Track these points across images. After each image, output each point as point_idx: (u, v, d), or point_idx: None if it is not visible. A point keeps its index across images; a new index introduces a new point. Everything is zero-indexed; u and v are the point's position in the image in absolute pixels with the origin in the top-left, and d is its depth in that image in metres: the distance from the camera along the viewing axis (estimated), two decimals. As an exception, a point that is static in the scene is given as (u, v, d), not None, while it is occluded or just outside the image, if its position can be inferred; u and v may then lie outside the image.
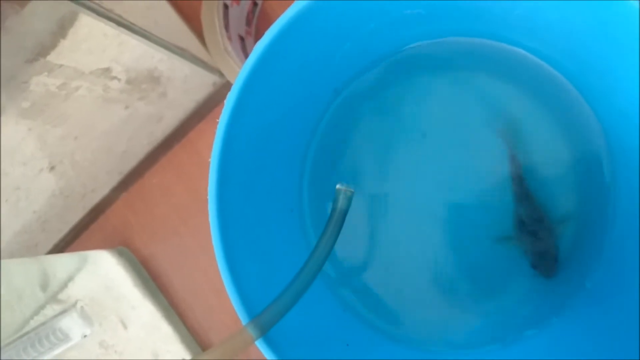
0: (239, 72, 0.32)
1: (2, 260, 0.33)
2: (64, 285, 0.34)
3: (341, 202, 0.23)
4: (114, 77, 0.28)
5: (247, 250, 0.23)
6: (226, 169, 0.22)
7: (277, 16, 0.37)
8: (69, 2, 0.23)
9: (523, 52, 0.26)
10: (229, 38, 0.33)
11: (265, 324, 0.19)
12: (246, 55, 0.35)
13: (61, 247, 0.39)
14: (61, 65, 0.25)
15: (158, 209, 0.39)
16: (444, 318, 0.28)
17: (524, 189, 0.27)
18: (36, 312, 0.34)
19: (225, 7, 0.33)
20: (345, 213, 0.23)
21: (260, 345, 0.20)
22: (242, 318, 0.20)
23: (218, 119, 0.38)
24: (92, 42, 0.26)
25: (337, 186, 0.24)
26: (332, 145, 0.29)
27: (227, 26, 0.33)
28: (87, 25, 0.25)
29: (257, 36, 0.37)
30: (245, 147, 0.23)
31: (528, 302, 0.26)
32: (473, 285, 0.27)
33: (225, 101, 0.21)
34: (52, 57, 0.25)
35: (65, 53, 0.25)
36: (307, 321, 0.25)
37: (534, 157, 0.27)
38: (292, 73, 0.24)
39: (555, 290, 0.25)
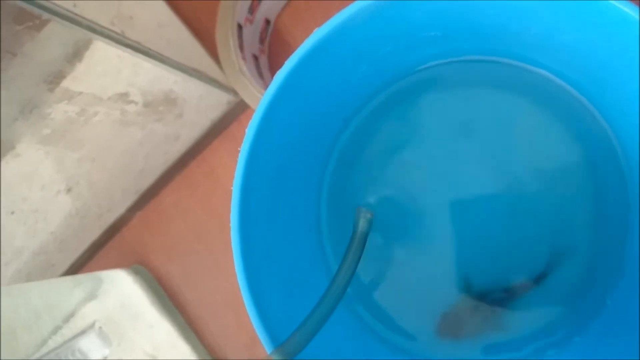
0: (253, 92, 0.33)
1: (20, 285, 0.33)
2: (81, 306, 0.35)
3: (362, 225, 0.23)
4: (131, 101, 0.28)
5: (268, 273, 0.23)
6: (248, 192, 0.22)
7: (290, 34, 0.37)
8: (82, 29, 0.24)
9: (539, 70, 0.26)
10: (244, 58, 0.33)
11: (290, 352, 0.20)
12: (260, 73, 0.36)
13: (78, 266, 0.39)
14: (80, 93, 0.25)
15: (174, 226, 0.39)
16: (476, 327, 0.28)
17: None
18: (54, 333, 0.34)
19: (239, 27, 0.33)
20: (366, 236, 0.23)
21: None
22: (266, 346, 0.20)
23: (232, 136, 0.38)
24: (107, 65, 0.26)
25: (357, 208, 0.24)
26: (349, 163, 0.29)
27: (241, 46, 0.33)
28: (102, 47, 0.25)
29: (271, 54, 0.38)
30: (265, 171, 0.23)
31: (549, 322, 0.26)
32: (494, 305, 0.27)
33: (247, 129, 0.21)
34: (71, 83, 0.25)
35: (82, 77, 0.25)
36: (327, 344, 0.25)
37: (547, 176, 0.27)
38: (310, 97, 0.24)
39: (576, 310, 0.25)
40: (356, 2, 0.20)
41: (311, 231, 0.29)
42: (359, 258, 0.23)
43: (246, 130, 0.21)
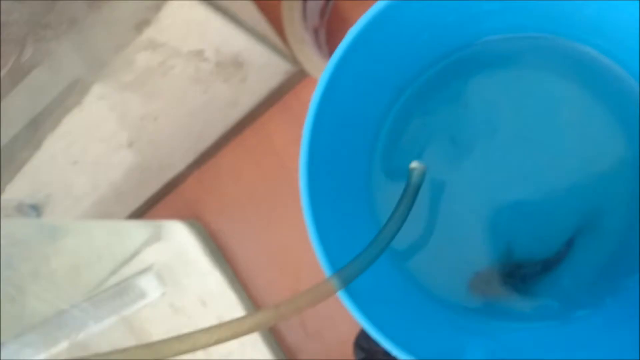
0: (315, 61, 0.35)
1: (84, 221, 0.36)
2: (140, 249, 0.37)
3: (415, 178, 0.25)
4: (205, 59, 0.31)
5: (328, 216, 0.25)
6: (314, 148, 0.24)
7: (348, 13, 0.39)
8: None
9: (592, 50, 0.27)
10: (306, 29, 0.35)
11: (347, 277, 0.22)
12: (319, 45, 0.38)
13: (136, 217, 0.42)
14: (164, 44, 0.28)
15: (227, 187, 0.41)
16: (504, 293, 0.29)
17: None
18: (114, 272, 0.37)
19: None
20: (419, 187, 0.25)
21: (342, 295, 0.22)
22: (327, 270, 0.22)
23: (288, 106, 0.41)
24: (187, 20, 0.28)
25: (411, 164, 0.26)
26: (399, 131, 0.31)
27: (304, 17, 0.36)
28: (178, 6, 0.27)
29: (329, 29, 0.40)
30: (327, 130, 0.25)
31: (583, 282, 0.27)
32: (533, 267, 0.28)
33: (316, 88, 0.23)
34: (156, 31, 0.27)
35: (166, 26, 0.27)
36: (377, 289, 0.27)
37: (590, 157, 0.29)
38: (371, 63, 0.26)
39: (611, 272, 0.27)
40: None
41: (363, 190, 0.31)
42: (411, 207, 0.25)
43: (309, 94, 0.23)
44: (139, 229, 0.38)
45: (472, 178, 0.30)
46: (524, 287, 0.29)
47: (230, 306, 0.37)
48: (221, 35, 0.30)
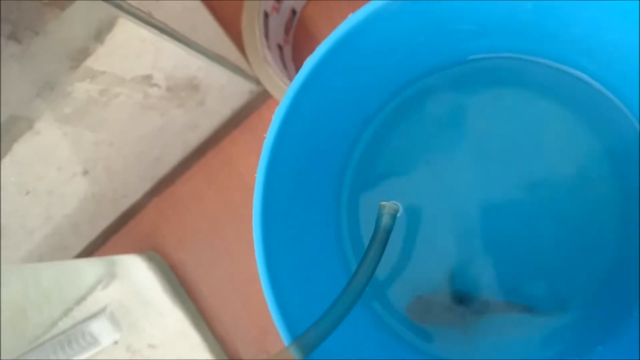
0: (277, 81, 0.32)
1: (32, 265, 0.33)
2: (93, 289, 0.34)
3: (385, 221, 0.23)
4: (154, 84, 0.28)
5: (287, 265, 0.23)
6: (270, 183, 0.21)
7: (315, 26, 0.37)
8: (109, 5, 0.23)
9: (576, 72, 0.25)
10: (268, 47, 0.33)
11: (308, 345, 0.19)
12: (284, 64, 0.35)
13: (91, 249, 0.39)
14: (104, 72, 0.25)
15: (189, 215, 0.39)
16: (475, 338, 0.27)
17: None
18: (65, 315, 0.34)
19: (266, 15, 0.33)
20: (389, 232, 0.23)
21: (303, 367, 0.19)
22: (284, 338, 0.19)
23: (252, 127, 0.38)
24: (132, 46, 0.26)
25: (382, 203, 0.24)
26: (370, 159, 0.28)
27: (266, 34, 0.33)
28: (125, 31, 0.25)
29: (295, 45, 0.37)
30: (288, 163, 0.23)
31: (571, 331, 0.25)
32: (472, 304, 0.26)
33: (273, 116, 0.20)
34: (94, 62, 0.25)
35: (103, 59, 0.25)
36: (346, 342, 0.24)
37: (574, 183, 0.27)
38: (338, 88, 0.23)
39: (603, 320, 0.25)
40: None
41: (330, 226, 0.28)
42: (381, 254, 0.22)
43: (272, 117, 0.21)
44: (92, 267, 0.35)
45: (445, 204, 0.28)
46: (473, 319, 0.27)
47: (194, 347, 0.34)
48: (171, 59, 0.27)
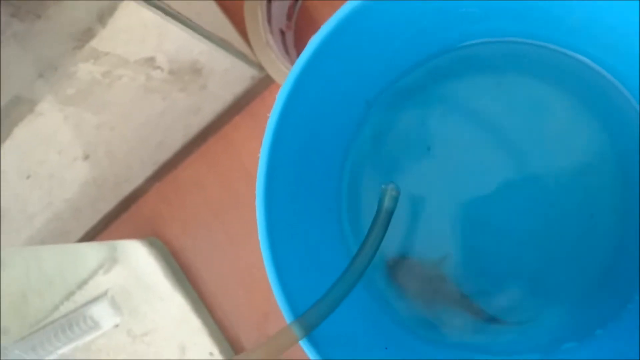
0: (280, 66, 0.32)
1: (33, 247, 0.33)
2: (95, 273, 0.34)
3: (387, 203, 0.23)
4: (157, 67, 0.28)
5: (289, 247, 0.23)
6: (273, 168, 0.22)
7: (318, 12, 0.37)
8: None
9: (579, 56, 0.25)
10: (271, 32, 0.33)
11: (310, 323, 0.19)
12: (286, 49, 0.35)
13: (92, 235, 0.39)
14: (107, 53, 0.25)
15: (190, 201, 0.39)
16: (480, 324, 0.27)
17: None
18: (66, 299, 0.34)
19: (268, 0, 0.33)
20: (391, 213, 0.23)
21: (304, 345, 0.19)
22: (286, 316, 0.20)
23: (254, 113, 0.38)
24: (136, 28, 0.26)
25: (383, 186, 0.24)
26: (373, 144, 0.28)
27: (269, 19, 0.33)
28: (127, 14, 0.25)
29: (297, 31, 0.37)
30: (290, 148, 0.23)
31: (570, 315, 0.25)
32: (510, 297, 0.26)
33: (276, 98, 0.20)
34: (98, 42, 0.25)
35: (107, 41, 0.25)
36: (346, 323, 0.24)
37: (576, 168, 0.27)
38: (340, 71, 0.23)
39: (603, 304, 0.25)
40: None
41: (331, 210, 0.28)
42: (383, 236, 0.22)
43: (275, 101, 0.21)
44: (94, 251, 0.35)
45: (445, 189, 0.28)
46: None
47: (194, 332, 0.34)
48: (174, 42, 0.27)
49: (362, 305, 0.27)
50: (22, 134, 0.28)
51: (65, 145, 0.32)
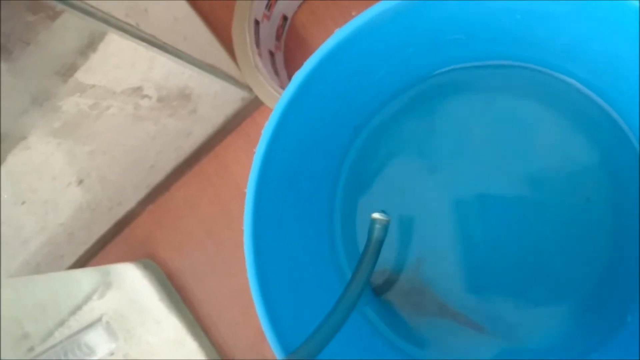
0: (268, 89, 0.32)
1: (26, 277, 0.33)
2: (89, 298, 0.34)
3: (377, 232, 0.23)
4: (145, 96, 0.28)
5: (279, 276, 0.23)
6: (261, 195, 0.22)
7: (307, 31, 0.37)
8: (96, 21, 0.23)
9: (565, 77, 0.25)
10: (260, 54, 0.33)
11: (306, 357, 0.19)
12: (275, 70, 0.35)
13: (86, 258, 0.39)
14: (93, 86, 0.25)
15: (184, 222, 0.39)
16: (472, 345, 0.27)
17: None
18: (60, 325, 0.34)
19: (256, 22, 0.33)
20: (381, 243, 0.23)
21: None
22: (277, 354, 0.20)
23: (245, 133, 0.38)
24: (122, 58, 0.26)
25: (373, 215, 0.24)
26: (363, 167, 0.28)
27: (257, 42, 0.33)
28: (115, 43, 0.25)
29: (287, 51, 0.37)
30: (279, 174, 0.23)
31: (565, 338, 0.25)
32: (502, 320, 0.26)
33: (263, 130, 0.20)
34: (84, 75, 0.25)
35: (95, 70, 0.25)
36: (337, 348, 0.24)
37: (566, 186, 0.27)
38: (328, 99, 0.23)
39: (595, 326, 0.25)
40: (380, 3, 0.19)
41: (322, 234, 0.28)
42: (374, 265, 0.22)
43: (262, 130, 0.21)
44: (87, 277, 0.35)
45: (437, 206, 0.28)
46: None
47: (190, 354, 0.34)
48: (161, 70, 0.27)
49: (354, 328, 0.27)
50: (15, 162, 0.28)
51: (58, 172, 0.31)
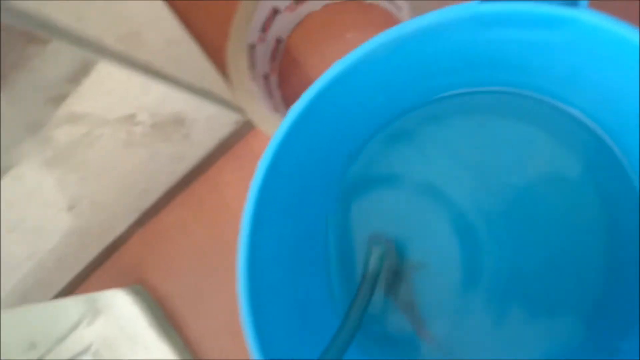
0: (263, 114, 0.32)
1: (12, 310, 0.32)
2: (77, 326, 0.34)
3: (373, 264, 0.22)
4: (139, 122, 0.28)
5: (273, 309, 0.22)
6: (256, 229, 0.21)
7: (301, 53, 0.37)
8: (85, 51, 0.23)
9: (562, 105, 0.25)
10: (254, 78, 0.32)
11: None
12: (270, 92, 0.35)
13: (76, 284, 0.38)
14: (85, 114, 0.25)
15: (175, 246, 0.38)
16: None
17: None
18: (48, 354, 0.33)
19: (251, 47, 0.32)
20: (378, 274, 0.22)
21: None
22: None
23: (238, 155, 0.38)
24: (115, 84, 0.25)
25: (369, 246, 0.23)
26: (358, 193, 0.28)
27: (252, 66, 0.32)
28: (104, 74, 0.24)
29: (281, 73, 0.37)
30: (274, 207, 0.22)
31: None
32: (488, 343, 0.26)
33: (258, 164, 0.20)
34: (76, 104, 0.24)
35: (87, 98, 0.24)
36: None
37: (560, 213, 0.27)
38: (322, 131, 0.23)
39: (589, 356, 0.24)
40: (376, 37, 0.19)
41: (316, 264, 0.28)
42: (370, 298, 0.22)
43: (259, 144, 0.20)
44: (75, 305, 0.34)
45: (433, 230, 0.27)
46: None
47: (181, 383, 0.33)
48: (155, 97, 0.27)
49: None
50: (5, 191, 0.27)
51: (50, 198, 0.31)
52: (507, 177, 0.27)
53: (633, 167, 0.24)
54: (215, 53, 0.36)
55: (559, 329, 0.26)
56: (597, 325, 0.26)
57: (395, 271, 0.26)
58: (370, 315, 0.26)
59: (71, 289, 0.38)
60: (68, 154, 0.25)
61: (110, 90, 0.25)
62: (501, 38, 0.21)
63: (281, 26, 0.35)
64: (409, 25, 0.18)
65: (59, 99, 0.23)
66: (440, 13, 0.18)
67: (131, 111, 0.26)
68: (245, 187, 0.38)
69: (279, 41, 0.36)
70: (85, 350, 0.33)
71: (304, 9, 0.34)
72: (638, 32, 0.17)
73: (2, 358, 0.31)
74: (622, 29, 0.17)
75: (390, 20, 0.34)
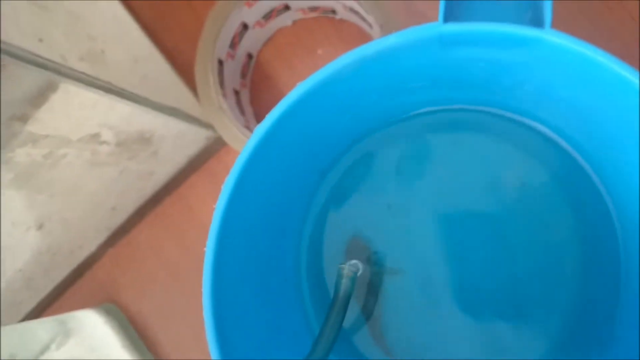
0: (233, 130, 0.31)
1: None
2: (47, 349, 0.33)
3: (345, 285, 0.22)
4: (103, 142, 0.27)
5: (242, 332, 0.22)
6: (222, 251, 0.21)
7: (272, 68, 0.36)
8: (47, 72, 0.22)
9: (533, 122, 0.25)
10: (224, 94, 0.32)
11: None
12: (241, 108, 0.34)
13: (46, 304, 0.37)
14: (47, 136, 0.24)
15: (147, 264, 0.37)
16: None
17: None
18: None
19: (220, 63, 0.32)
20: (349, 294, 0.22)
21: None
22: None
23: (211, 172, 0.37)
24: (77, 104, 0.25)
25: (340, 266, 0.23)
26: (330, 211, 0.28)
27: (221, 82, 0.32)
28: (65, 95, 0.24)
29: (252, 88, 0.37)
30: (242, 224, 0.22)
31: None
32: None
33: (223, 185, 0.20)
34: (36, 125, 0.24)
35: (49, 118, 0.24)
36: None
37: (534, 229, 0.27)
38: (291, 149, 0.23)
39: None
40: (339, 59, 0.19)
41: (288, 282, 0.27)
42: (343, 317, 0.22)
43: (230, 160, 0.20)
44: (44, 327, 0.33)
45: (406, 246, 0.27)
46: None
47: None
48: (120, 116, 0.27)
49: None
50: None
51: (17, 217, 0.30)
52: (479, 192, 0.27)
53: (603, 182, 0.24)
54: (186, 68, 0.35)
55: (529, 344, 0.26)
56: (569, 341, 0.26)
57: (369, 282, 0.26)
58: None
59: (41, 308, 0.37)
60: (30, 175, 0.25)
61: (73, 111, 0.25)
62: (467, 57, 0.21)
63: (251, 42, 0.34)
64: (370, 47, 0.18)
65: (20, 120, 0.23)
66: (402, 34, 0.18)
67: (95, 130, 0.26)
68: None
69: (249, 57, 0.35)
70: (54, 375, 0.32)
71: (274, 25, 0.34)
72: (600, 52, 0.17)
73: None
74: (585, 49, 0.17)
75: (361, 35, 0.34)
